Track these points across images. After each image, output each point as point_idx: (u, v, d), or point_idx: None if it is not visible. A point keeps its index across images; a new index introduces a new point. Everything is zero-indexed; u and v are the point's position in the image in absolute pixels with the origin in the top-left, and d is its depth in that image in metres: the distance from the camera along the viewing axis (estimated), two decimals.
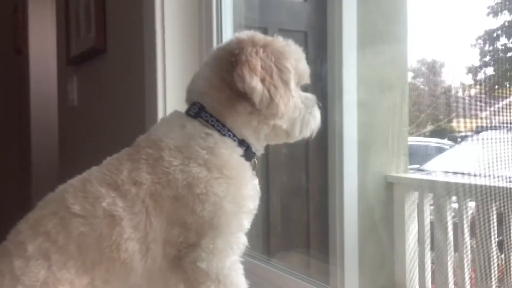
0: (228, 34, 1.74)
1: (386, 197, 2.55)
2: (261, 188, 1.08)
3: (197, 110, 1.04)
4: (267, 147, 1.13)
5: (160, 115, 1.63)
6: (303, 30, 2.19)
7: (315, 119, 1.10)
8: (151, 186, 0.96)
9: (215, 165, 0.98)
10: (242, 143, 1.04)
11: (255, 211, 1.05)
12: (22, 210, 1.07)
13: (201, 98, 1.05)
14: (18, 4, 4.05)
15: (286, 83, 1.00)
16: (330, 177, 2.06)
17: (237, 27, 1.90)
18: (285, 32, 2.12)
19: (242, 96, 0.99)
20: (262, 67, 0.99)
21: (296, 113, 1.06)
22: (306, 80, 1.10)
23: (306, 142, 2.23)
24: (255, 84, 0.97)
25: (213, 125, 1.02)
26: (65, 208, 0.98)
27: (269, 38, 1.06)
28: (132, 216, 0.96)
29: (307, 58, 1.09)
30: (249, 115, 1.02)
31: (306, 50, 1.09)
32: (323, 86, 1.95)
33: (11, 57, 4.31)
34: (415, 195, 2.41)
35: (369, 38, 2.42)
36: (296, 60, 1.05)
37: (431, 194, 2.41)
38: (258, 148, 1.09)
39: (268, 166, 2.04)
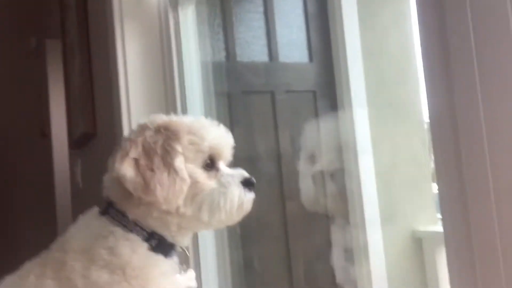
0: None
1: (415, 255, 2.32)
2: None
3: (105, 207, 0.98)
4: None
5: None
6: (311, 90, 2.11)
7: (231, 199, 0.95)
8: None
9: (116, 266, 0.89)
10: (152, 236, 0.95)
11: None
12: None
13: (108, 192, 0.99)
14: (42, 91, 4.25)
15: (169, 164, 0.90)
16: (354, 241, 1.89)
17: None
18: (293, 93, 2.03)
19: None
20: (144, 150, 0.91)
21: (205, 196, 0.94)
22: (225, 156, 1.00)
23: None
24: (124, 171, 0.90)
25: (119, 221, 0.95)
26: None
27: (169, 118, 0.99)
28: None
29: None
30: (148, 205, 0.93)
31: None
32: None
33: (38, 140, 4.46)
34: None
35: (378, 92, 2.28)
36: (200, 137, 0.95)
37: None
38: (177, 239, 0.98)
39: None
